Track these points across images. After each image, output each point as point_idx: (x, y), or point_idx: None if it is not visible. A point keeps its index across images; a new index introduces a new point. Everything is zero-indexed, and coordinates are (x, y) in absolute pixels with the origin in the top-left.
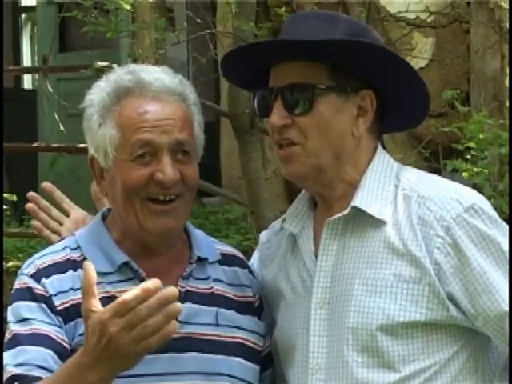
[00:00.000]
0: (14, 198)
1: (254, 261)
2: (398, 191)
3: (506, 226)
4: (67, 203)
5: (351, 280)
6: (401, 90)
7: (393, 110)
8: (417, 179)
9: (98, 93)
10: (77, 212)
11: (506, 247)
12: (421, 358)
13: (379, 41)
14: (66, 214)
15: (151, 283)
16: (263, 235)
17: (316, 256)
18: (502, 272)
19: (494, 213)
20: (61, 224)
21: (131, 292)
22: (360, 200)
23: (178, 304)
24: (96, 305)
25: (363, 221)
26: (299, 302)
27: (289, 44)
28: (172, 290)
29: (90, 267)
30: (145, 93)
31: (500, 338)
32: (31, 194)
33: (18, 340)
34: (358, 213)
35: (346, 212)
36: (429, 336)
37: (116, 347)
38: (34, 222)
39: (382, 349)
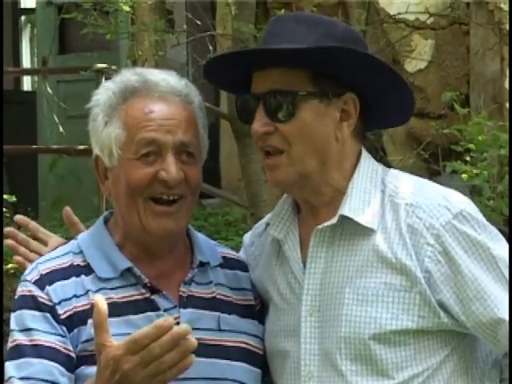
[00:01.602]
0: (14, 199)
1: None
2: (384, 197)
3: (495, 230)
4: (43, 232)
5: (341, 288)
6: (384, 92)
7: (376, 111)
8: (403, 184)
9: (104, 93)
10: (54, 240)
11: (496, 252)
12: (414, 364)
13: (362, 41)
14: (44, 243)
15: (164, 320)
16: (246, 238)
17: (303, 263)
18: (493, 277)
19: (481, 217)
20: (41, 255)
21: (144, 330)
22: (348, 208)
23: (193, 339)
24: (109, 339)
25: (351, 229)
26: (288, 308)
27: (267, 53)
28: (185, 327)
29: (102, 302)
30: (151, 93)
31: (492, 341)
32: (9, 229)
33: (22, 351)
34: (346, 221)
35: (334, 221)
36: (420, 342)
37: (130, 383)
38: (16, 258)
39: (375, 357)
